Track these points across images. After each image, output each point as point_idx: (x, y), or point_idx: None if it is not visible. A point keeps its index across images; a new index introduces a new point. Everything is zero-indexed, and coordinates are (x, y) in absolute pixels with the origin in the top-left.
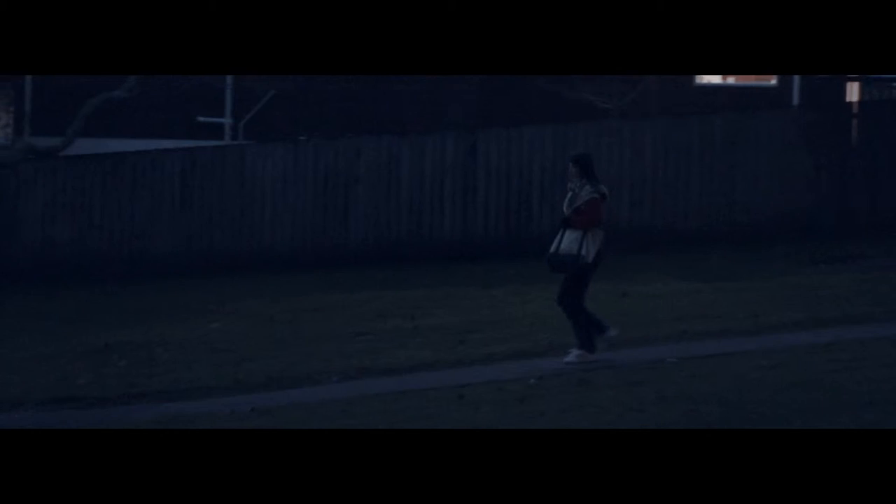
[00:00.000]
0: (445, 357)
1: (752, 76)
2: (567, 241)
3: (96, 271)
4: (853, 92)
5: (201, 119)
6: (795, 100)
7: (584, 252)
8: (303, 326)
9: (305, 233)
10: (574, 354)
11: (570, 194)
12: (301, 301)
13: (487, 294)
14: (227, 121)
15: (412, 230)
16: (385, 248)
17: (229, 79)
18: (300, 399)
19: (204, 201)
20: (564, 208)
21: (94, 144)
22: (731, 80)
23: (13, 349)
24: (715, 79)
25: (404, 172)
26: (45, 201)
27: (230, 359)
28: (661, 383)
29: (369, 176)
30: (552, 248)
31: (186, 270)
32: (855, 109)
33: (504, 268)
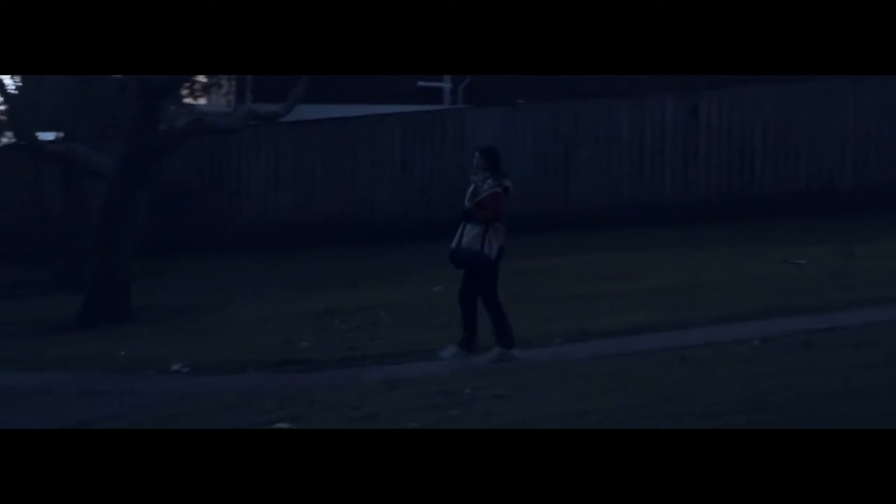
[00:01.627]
0: (667, 319)
1: None
2: (469, 237)
3: (317, 236)
4: None
5: (421, 84)
6: None
7: (486, 249)
8: (524, 289)
9: (524, 196)
10: (495, 352)
11: (472, 186)
12: (522, 264)
13: (709, 255)
14: (445, 85)
15: (633, 193)
16: (605, 211)
17: None
18: (522, 360)
19: (423, 165)
20: (466, 201)
21: (314, 110)
22: None
23: (237, 313)
24: None
25: (624, 135)
26: (266, 167)
27: (452, 321)
28: (892, 344)
29: (588, 139)
30: (454, 244)
31: (407, 234)
32: None
33: (725, 229)
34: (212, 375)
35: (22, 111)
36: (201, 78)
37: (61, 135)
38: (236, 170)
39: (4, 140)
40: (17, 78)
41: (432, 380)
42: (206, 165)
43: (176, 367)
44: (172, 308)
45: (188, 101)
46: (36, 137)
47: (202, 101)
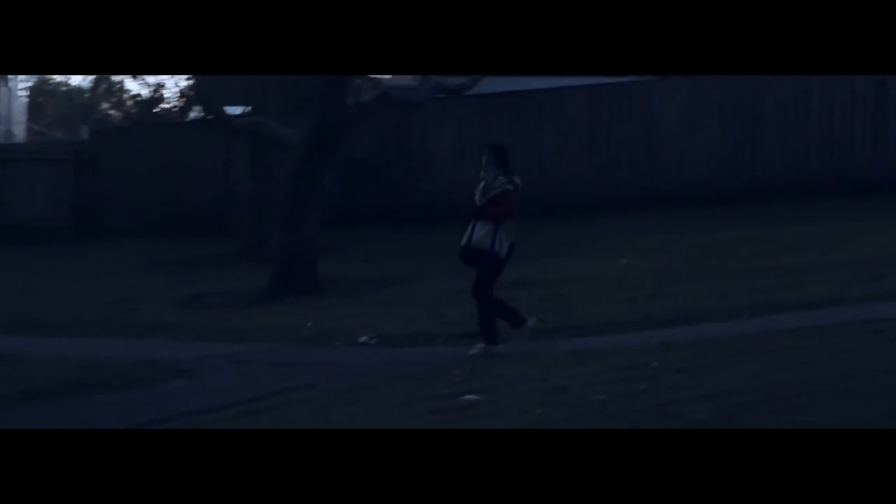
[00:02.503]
0: (858, 292)
1: None
2: (479, 234)
3: None
4: None
5: None
6: None
7: (496, 247)
8: (710, 261)
9: (711, 168)
10: (478, 348)
11: (482, 184)
12: (708, 236)
13: None
14: None
15: (822, 164)
16: (793, 182)
17: None
18: (710, 334)
19: (609, 137)
20: (476, 198)
21: (500, 82)
22: None
23: (424, 285)
24: None
25: (813, 106)
26: (452, 139)
27: (638, 294)
28: None
29: (776, 111)
30: (464, 241)
31: (592, 207)
32: None
33: None
34: (399, 347)
35: (210, 86)
36: None
37: (249, 109)
38: (421, 143)
39: (193, 114)
40: None
41: (620, 353)
42: (392, 139)
43: (363, 338)
44: (359, 280)
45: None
46: (224, 111)
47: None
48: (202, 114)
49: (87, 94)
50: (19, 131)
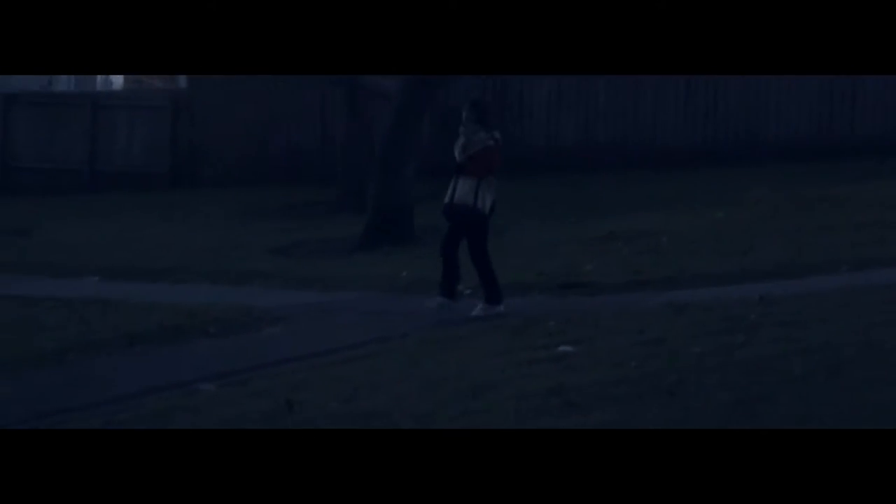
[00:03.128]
0: None
1: None
2: (462, 191)
3: (600, 159)
4: None
5: None
6: None
7: (479, 204)
8: (807, 216)
9: (810, 123)
10: (480, 308)
11: (462, 140)
12: (806, 192)
13: None
14: None
15: None
16: (893, 138)
17: None
18: (808, 289)
19: (707, 88)
20: (456, 154)
21: None
22: None
23: (524, 235)
24: None
25: None
26: (549, 90)
27: (735, 248)
28: None
29: None
30: (447, 198)
31: (688, 161)
32: None
33: None
34: None
35: None
36: None
37: None
38: (518, 93)
39: None
40: None
41: (717, 305)
42: (490, 89)
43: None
44: None
45: None
46: None
47: None
48: None
49: None
50: (117, 79)
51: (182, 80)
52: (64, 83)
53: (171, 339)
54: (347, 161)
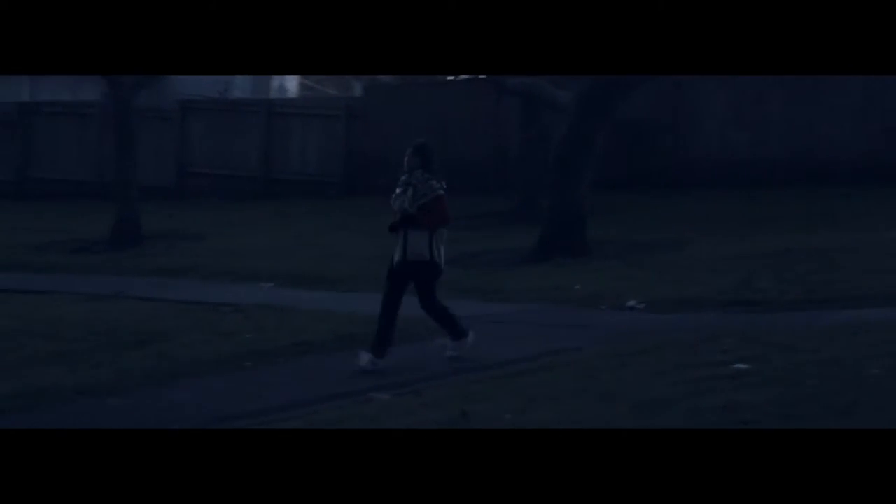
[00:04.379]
0: None
1: None
2: (415, 245)
3: (773, 175)
4: None
5: None
6: None
7: (436, 257)
8: None
9: None
10: (452, 346)
11: (410, 189)
12: None
13: None
14: None
15: None
16: None
17: None
18: None
19: (884, 104)
20: (406, 204)
21: None
22: None
23: (693, 250)
24: None
25: None
26: (725, 103)
27: None
28: None
29: None
30: (398, 255)
31: (867, 176)
32: None
33: None
34: (667, 313)
35: None
36: None
37: None
38: (692, 107)
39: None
40: None
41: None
42: (663, 103)
43: (631, 303)
44: (627, 244)
45: None
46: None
47: None
48: (476, 73)
49: None
50: (291, 86)
51: (357, 89)
52: (239, 90)
53: (344, 348)
54: (522, 172)
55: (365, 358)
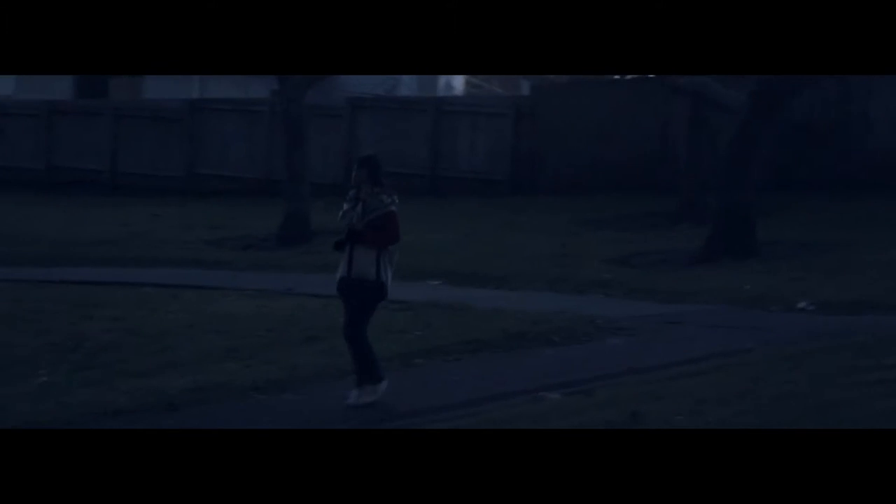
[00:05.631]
0: None
1: None
2: (361, 263)
3: None
4: None
5: None
6: None
7: (383, 277)
8: None
9: None
10: (356, 394)
11: (359, 204)
12: None
13: None
14: None
15: None
16: None
17: None
18: None
19: None
20: (347, 221)
21: None
22: None
23: (864, 252)
24: None
25: None
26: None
27: None
28: None
29: None
30: (342, 272)
31: None
32: None
33: None
34: (839, 315)
35: None
36: None
37: None
38: (863, 107)
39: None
40: None
41: None
42: (833, 103)
43: (802, 304)
44: (797, 245)
45: None
46: None
47: None
48: (645, 73)
49: None
50: (458, 84)
51: (524, 87)
52: (406, 87)
53: (514, 347)
54: (689, 172)
55: (353, 395)
